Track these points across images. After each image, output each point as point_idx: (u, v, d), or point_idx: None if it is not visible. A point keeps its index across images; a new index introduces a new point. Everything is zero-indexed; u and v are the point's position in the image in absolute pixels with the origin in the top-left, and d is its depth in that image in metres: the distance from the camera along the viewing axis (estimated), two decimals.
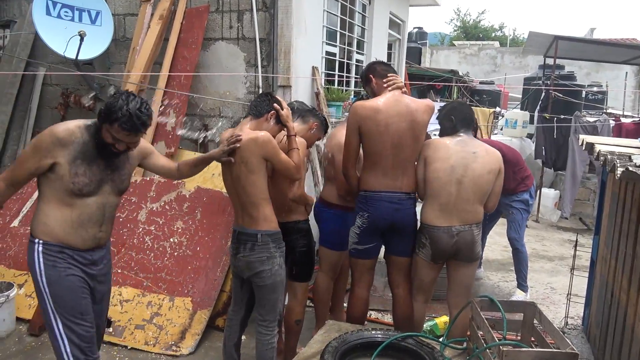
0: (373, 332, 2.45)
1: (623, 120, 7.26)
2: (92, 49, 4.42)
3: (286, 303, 3.08)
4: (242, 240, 2.56)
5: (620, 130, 6.60)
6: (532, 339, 2.49)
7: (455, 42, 26.54)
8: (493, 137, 7.34)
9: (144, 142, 2.41)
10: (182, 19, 4.35)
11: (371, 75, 2.98)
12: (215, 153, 2.52)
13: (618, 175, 1.84)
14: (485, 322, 2.31)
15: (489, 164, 2.77)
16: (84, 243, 2.20)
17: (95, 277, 2.28)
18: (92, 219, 2.19)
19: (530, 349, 2.09)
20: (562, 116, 6.83)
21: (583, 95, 9.15)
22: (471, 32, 32.85)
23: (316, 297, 3.37)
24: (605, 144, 2.59)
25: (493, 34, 32.35)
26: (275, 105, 2.61)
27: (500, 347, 2.05)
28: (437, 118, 3.07)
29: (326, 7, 4.93)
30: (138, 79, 4.13)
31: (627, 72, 16.92)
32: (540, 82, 8.24)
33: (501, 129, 8.08)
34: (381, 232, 2.96)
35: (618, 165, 1.88)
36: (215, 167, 3.94)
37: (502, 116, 8.43)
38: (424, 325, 3.45)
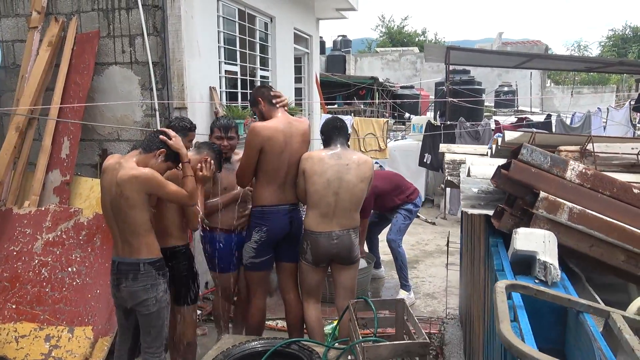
0: (254, 342, 2.59)
1: (504, 122, 7.87)
2: None
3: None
4: (123, 271, 2.57)
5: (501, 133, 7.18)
6: (404, 332, 2.74)
7: (378, 49, 27.51)
8: (394, 143, 7.73)
9: None
10: (72, 44, 4.31)
11: (260, 99, 3.15)
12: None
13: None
14: (355, 322, 2.52)
15: (362, 173, 3.05)
16: None
17: None
18: None
19: (387, 343, 2.31)
20: (449, 122, 7.32)
21: (489, 97, 9.82)
22: (396, 37, 34.15)
23: (214, 315, 3.48)
24: (455, 152, 2.90)
25: (417, 39, 33.83)
26: (161, 136, 2.58)
27: (362, 343, 2.26)
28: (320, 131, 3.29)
29: (222, 28, 5.05)
30: (27, 108, 4.05)
31: (532, 72, 18.20)
32: (444, 87, 8.81)
33: (406, 134, 8.54)
34: (276, 243, 3.16)
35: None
36: None
37: (410, 121, 8.92)
38: (327, 329, 3.65)
